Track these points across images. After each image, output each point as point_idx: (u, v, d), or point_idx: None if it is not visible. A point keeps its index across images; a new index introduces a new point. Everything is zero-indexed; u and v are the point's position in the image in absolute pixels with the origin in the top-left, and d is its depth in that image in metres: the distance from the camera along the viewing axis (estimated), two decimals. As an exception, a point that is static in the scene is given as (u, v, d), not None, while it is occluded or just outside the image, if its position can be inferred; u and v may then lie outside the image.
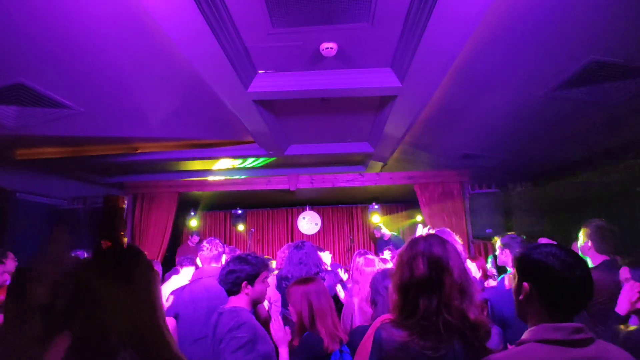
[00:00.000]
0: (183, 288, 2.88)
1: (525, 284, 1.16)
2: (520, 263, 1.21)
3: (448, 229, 2.69)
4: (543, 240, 2.78)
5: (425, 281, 1.28)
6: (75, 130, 3.65)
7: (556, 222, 5.39)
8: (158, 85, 2.90)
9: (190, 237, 7.46)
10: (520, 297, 1.17)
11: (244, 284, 2.03)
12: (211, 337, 1.97)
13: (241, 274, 2.03)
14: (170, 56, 2.45)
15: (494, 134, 4.08)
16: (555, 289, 1.12)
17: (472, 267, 3.36)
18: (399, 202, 9.00)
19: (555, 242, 1.34)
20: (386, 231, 7.68)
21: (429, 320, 1.24)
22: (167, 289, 3.64)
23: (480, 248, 5.78)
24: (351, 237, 8.90)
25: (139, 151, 4.67)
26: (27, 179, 4.95)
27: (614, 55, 2.42)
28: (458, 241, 2.52)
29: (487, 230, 5.42)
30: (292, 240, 8.72)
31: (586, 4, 1.96)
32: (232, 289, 2.05)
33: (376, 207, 8.26)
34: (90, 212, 5.66)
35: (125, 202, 5.92)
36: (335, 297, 3.13)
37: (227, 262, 2.12)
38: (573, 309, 1.13)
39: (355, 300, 2.60)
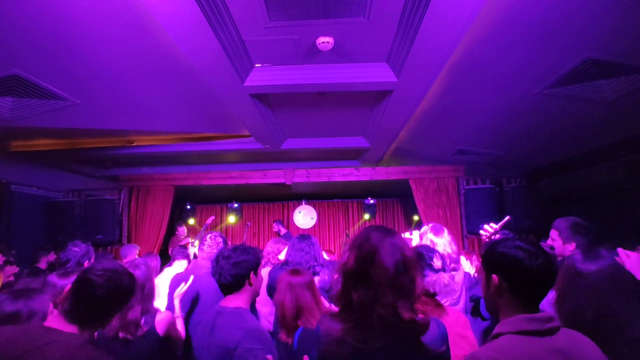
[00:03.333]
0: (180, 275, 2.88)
1: (494, 276, 1.20)
2: (487, 257, 1.26)
3: (443, 226, 2.71)
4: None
5: (354, 273, 1.24)
6: (71, 122, 3.64)
7: (549, 218, 5.45)
8: (154, 78, 2.89)
9: (178, 227, 7.21)
10: (491, 290, 1.21)
11: (252, 273, 1.86)
12: (207, 336, 1.83)
13: (251, 262, 1.85)
14: (166, 49, 2.45)
15: (488, 130, 4.11)
16: (523, 278, 1.17)
17: (466, 265, 3.38)
18: (395, 197, 9.05)
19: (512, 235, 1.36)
20: (282, 227, 7.79)
21: (363, 314, 1.20)
22: (160, 281, 3.67)
23: (474, 243, 5.84)
24: (347, 232, 8.94)
25: (134, 144, 4.67)
26: (22, 171, 4.93)
27: (608, 52, 2.44)
28: (445, 236, 2.52)
29: (481, 226, 5.47)
30: (287, 234, 8.75)
31: (580, 2, 1.98)
32: (235, 283, 1.84)
33: (372, 201, 8.31)
34: (85, 205, 5.64)
35: None
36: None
37: (226, 256, 1.87)
38: (539, 297, 1.18)
39: None
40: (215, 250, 2.89)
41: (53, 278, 1.97)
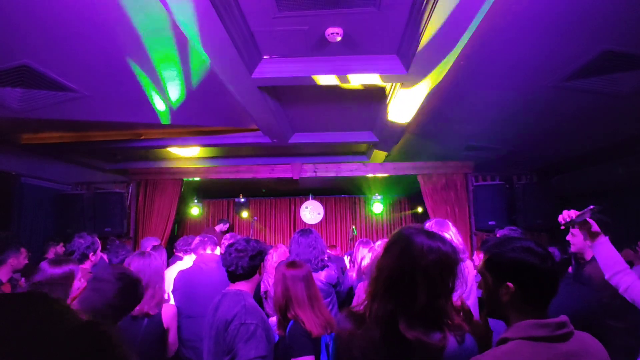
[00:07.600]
0: (188, 269, 3.13)
1: (509, 284, 1.14)
2: (497, 265, 1.19)
3: (448, 220, 2.65)
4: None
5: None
6: (80, 115, 3.65)
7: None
8: (162, 70, 2.88)
9: (218, 223, 7.77)
10: (505, 299, 1.15)
11: (262, 263, 2.16)
12: (211, 316, 1.98)
13: (264, 254, 2.14)
14: (175, 40, 2.43)
15: (499, 124, 4.04)
16: (538, 283, 1.13)
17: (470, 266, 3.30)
18: (402, 194, 8.99)
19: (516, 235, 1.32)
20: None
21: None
22: (171, 274, 3.69)
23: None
24: (353, 227, 8.91)
25: (143, 137, 4.68)
26: (32, 163, 4.97)
27: (626, 45, 2.37)
28: (451, 228, 2.45)
29: (490, 223, 5.39)
30: (294, 229, 8.75)
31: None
32: (248, 273, 2.06)
33: (379, 197, 8.26)
34: (94, 197, 5.68)
35: None
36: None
37: (241, 249, 2.05)
38: (549, 300, 1.15)
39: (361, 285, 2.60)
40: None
41: (44, 265, 2.01)
